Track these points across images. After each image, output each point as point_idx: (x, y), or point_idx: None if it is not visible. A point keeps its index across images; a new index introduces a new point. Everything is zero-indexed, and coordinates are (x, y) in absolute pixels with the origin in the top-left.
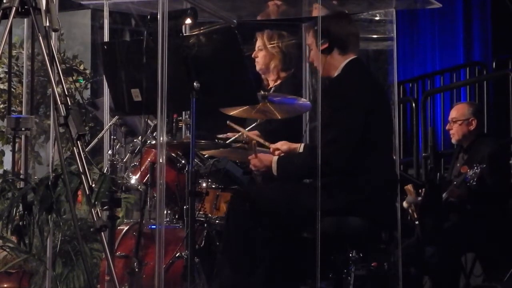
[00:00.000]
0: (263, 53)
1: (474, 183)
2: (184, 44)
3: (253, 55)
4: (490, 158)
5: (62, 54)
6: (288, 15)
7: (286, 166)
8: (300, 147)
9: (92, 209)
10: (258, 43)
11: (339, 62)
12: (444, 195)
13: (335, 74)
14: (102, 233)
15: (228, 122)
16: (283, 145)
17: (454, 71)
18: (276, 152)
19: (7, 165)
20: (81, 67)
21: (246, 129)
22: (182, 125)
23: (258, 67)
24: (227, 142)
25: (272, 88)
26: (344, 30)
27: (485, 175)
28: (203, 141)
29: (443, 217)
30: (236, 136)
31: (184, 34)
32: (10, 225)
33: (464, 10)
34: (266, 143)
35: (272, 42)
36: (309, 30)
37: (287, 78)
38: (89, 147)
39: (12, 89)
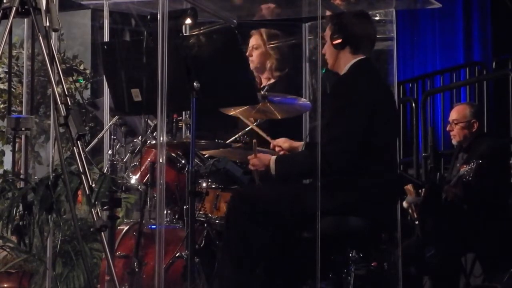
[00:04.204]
0: (259, 51)
1: (470, 179)
2: (184, 44)
3: (247, 54)
4: (489, 155)
5: (62, 54)
6: (284, 16)
7: (285, 165)
8: (301, 146)
9: (92, 209)
10: (254, 42)
11: (348, 61)
12: (444, 195)
13: (342, 73)
14: (102, 233)
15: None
16: (284, 142)
17: (454, 71)
18: (277, 149)
19: (7, 165)
20: (81, 67)
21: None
22: (182, 125)
23: (252, 66)
24: (227, 142)
25: (266, 87)
26: (360, 30)
27: (485, 173)
28: (203, 141)
29: (443, 217)
30: (236, 136)
31: (184, 34)
32: (10, 225)
33: (464, 10)
34: (268, 138)
35: (271, 42)
36: (327, 23)
37: (281, 78)
38: (89, 147)
39: (12, 89)
